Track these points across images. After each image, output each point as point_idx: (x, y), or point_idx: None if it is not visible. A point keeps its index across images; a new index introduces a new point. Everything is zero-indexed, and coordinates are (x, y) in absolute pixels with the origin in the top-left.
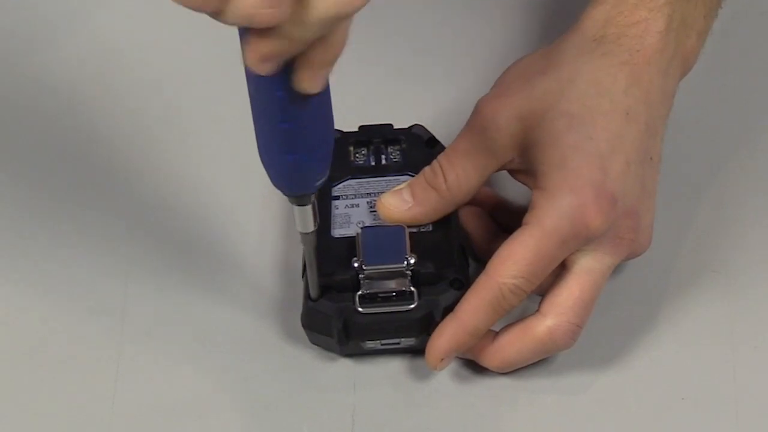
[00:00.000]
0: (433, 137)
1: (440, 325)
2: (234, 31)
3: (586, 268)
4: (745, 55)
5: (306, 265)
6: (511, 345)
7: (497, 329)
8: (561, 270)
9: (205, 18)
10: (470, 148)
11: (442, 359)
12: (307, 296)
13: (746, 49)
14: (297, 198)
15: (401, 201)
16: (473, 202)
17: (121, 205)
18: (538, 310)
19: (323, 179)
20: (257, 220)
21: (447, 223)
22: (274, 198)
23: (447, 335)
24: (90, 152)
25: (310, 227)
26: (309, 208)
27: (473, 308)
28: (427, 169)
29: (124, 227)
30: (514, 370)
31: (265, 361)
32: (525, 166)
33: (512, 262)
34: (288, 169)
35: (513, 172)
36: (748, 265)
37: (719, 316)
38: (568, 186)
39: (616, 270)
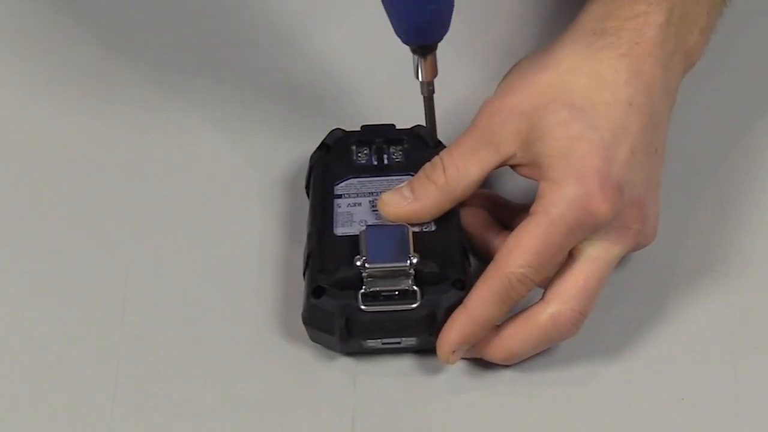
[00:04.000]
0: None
1: (450, 318)
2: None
3: (592, 257)
4: (746, 54)
5: (426, 114)
6: (515, 334)
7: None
8: (567, 259)
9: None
10: (472, 144)
11: (453, 352)
12: (308, 293)
13: (746, 48)
14: (426, 48)
15: (401, 197)
16: (472, 203)
17: (121, 205)
18: (541, 298)
19: (446, 32)
20: (257, 220)
21: (449, 223)
22: (274, 198)
23: (457, 327)
24: (89, 151)
25: (431, 77)
26: (432, 57)
27: (482, 299)
28: (427, 164)
29: (124, 227)
30: (515, 366)
31: (265, 360)
32: (529, 160)
33: (519, 251)
34: (428, 19)
35: (516, 167)
36: (749, 265)
37: (719, 316)
38: (573, 175)
39: (617, 268)
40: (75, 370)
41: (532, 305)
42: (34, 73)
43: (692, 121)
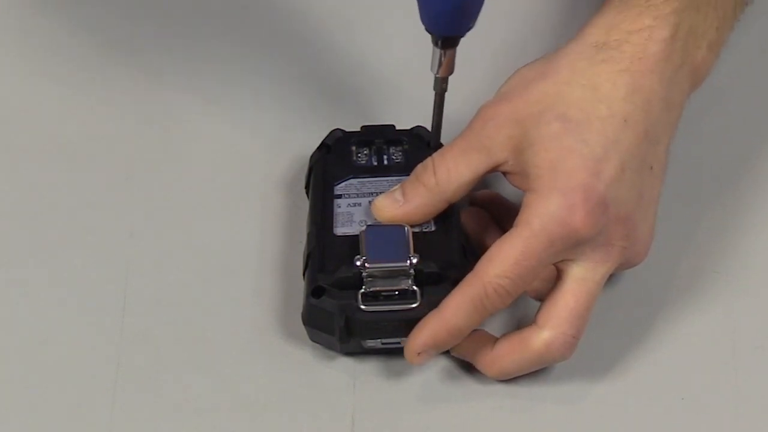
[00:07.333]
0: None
1: (423, 319)
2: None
3: (580, 277)
4: (746, 59)
5: (434, 111)
6: (509, 356)
7: (497, 335)
8: (556, 281)
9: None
10: (465, 146)
11: (419, 353)
12: (308, 293)
13: (747, 52)
14: (448, 41)
15: (393, 201)
16: (475, 203)
17: (121, 204)
18: (534, 322)
19: (472, 26)
20: (257, 220)
21: (449, 223)
22: (274, 198)
23: (426, 330)
24: (90, 151)
25: (447, 73)
26: (452, 53)
27: (455, 305)
28: (419, 166)
29: (124, 227)
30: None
31: (265, 361)
32: (519, 168)
33: (498, 261)
34: (448, 9)
35: (507, 175)
36: (749, 265)
37: (720, 316)
38: (558, 188)
39: (618, 271)
40: (75, 370)
41: (525, 328)
42: (33, 71)
43: (692, 123)
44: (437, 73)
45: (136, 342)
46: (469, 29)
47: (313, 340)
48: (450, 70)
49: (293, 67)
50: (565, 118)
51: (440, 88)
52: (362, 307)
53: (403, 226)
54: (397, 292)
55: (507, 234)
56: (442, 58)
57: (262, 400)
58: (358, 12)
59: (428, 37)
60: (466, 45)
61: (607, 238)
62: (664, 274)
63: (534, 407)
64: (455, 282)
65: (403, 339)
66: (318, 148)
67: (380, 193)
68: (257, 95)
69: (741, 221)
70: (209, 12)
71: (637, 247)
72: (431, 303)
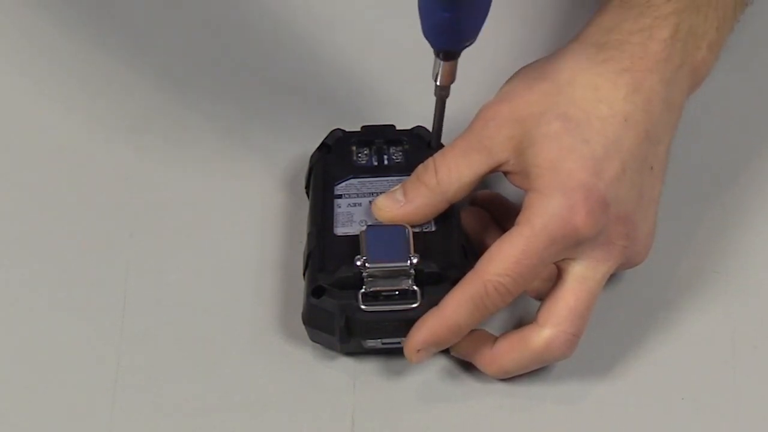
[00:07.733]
0: None
1: (423, 317)
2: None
3: (580, 276)
4: (747, 59)
5: (434, 116)
6: (509, 354)
7: (497, 334)
8: (557, 279)
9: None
10: (466, 146)
11: (418, 350)
12: (308, 293)
13: (747, 52)
14: (447, 53)
15: (394, 201)
16: (475, 203)
17: (121, 205)
18: (535, 320)
19: (472, 41)
20: (257, 220)
21: (450, 223)
22: (274, 198)
23: (426, 327)
24: (89, 151)
25: (448, 82)
26: (453, 63)
27: (456, 303)
28: (420, 166)
29: (124, 227)
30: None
31: (265, 360)
32: (520, 167)
33: (499, 259)
34: (442, 25)
35: (508, 174)
36: (749, 265)
37: (720, 316)
38: (559, 187)
39: (618, 271)
40: (75, 369)
41: (526, 326)
42: (35, 73)
43: (692, 123)
44: (438, 81)
45: (136, 342)
46: (468, 45)
47: (314, 340)
48: (451, 79)
49: (293, 67)
50: (566, 118)
51: (440, 95)
52: (362, 307)
53: (404, 226)
54: (397, 292)
55: (508, 233)
56: (441, 68)
57: (262, 400)
58: (358, 12)
59: None
60: (473, 46)
61: (607, 237)
62: (664, 274)
63: (534, 407)
64: (455, 282)
65: (403, 339)
66: (318, 148)
67: (380, 193)
68: (257, 95)
69: (741, 221)
70: (209, 12)
71: (638, 247)
72: (431, 303)
